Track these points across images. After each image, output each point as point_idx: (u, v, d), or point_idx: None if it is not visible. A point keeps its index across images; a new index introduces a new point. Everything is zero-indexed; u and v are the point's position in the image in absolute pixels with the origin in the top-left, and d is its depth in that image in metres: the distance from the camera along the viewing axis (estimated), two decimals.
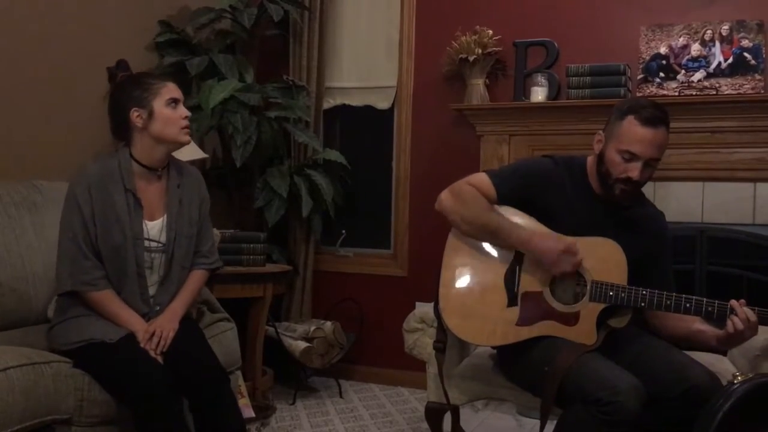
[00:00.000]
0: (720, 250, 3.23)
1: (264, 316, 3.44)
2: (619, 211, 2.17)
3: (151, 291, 2.26)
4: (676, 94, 3.27)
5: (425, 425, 2.58)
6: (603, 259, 2.09)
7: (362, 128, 4.23)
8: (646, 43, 3.37)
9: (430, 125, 3.92)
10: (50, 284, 2.51)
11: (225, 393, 2.15)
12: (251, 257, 3.36)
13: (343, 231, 4.17)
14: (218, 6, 3.72)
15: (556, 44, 3.60)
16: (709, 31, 3.27)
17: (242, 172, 3.77)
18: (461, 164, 3.61)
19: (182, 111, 2.25)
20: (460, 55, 3.62)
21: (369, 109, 4.11)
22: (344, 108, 4.18)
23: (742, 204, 3.20)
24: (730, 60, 3.22)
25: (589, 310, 2.07)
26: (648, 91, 3.33)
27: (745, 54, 3.20)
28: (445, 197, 2.17)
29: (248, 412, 3.05)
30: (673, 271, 2.27)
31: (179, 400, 2.05)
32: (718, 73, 3.24)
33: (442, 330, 2.24)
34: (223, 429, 2.10)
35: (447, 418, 2.45)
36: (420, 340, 2.48)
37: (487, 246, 2.18)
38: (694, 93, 3.26)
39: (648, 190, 2.20)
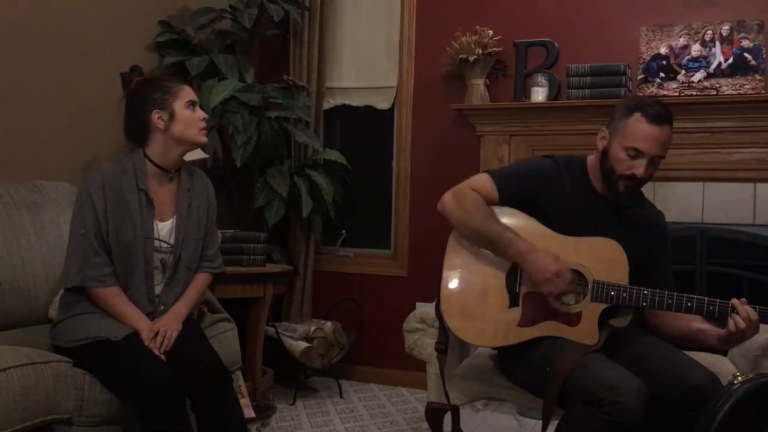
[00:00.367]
0: (720, 250, 3.23)
1: (264, 316, 3.44)
2: (620, 210, 2.18)
3: (157, 291, 2.28)
4: (677, 94, 3.28)
5: (425, 425, 2.58)
6: (604, 258, 2.09)
7: (362, 128, 4.23)
8: (647, 43, 3.37)
9: (431, 125, 3.92)
10: (51, 284, 2.51)
11: (227, 393, 2.15)
12: (251, 257, 3.36)
13: (344, 231, 4.17)
14: (218, 6, 3.72)
15: (556, 44, 3.60)
16: (709, 32, 3.27)
17: (242, 172, 3.77)
18: (461, 164, 3.62)
19: (200, 113, 2.31)
20: (461, 56, 3.62)
21: (369, 109, 4.11)
22: (344, 108, 4.18)
23: (742, 204, 3.20)
24: (731, 60, 3.22)
25: (591, 310, 2.07)
26: (648, 91, 3.33)
27: (746, 54, 3.20)
28: (448, 200, 2.17)
29: (248, 412, 3.04)
30: (672, 271, 2.27)
31: (183, 398, 2.06)
32: (719, 73, 3.24)
33: (443, 331, 2.24)
34: (225, 429, 2.10)
35: (447, 419, 2.45)
36: (420, 341, 2.48)
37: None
38: (694, 93, 3.26)
39: (648, 190, 2.21)
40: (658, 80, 3.33)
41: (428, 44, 3.90)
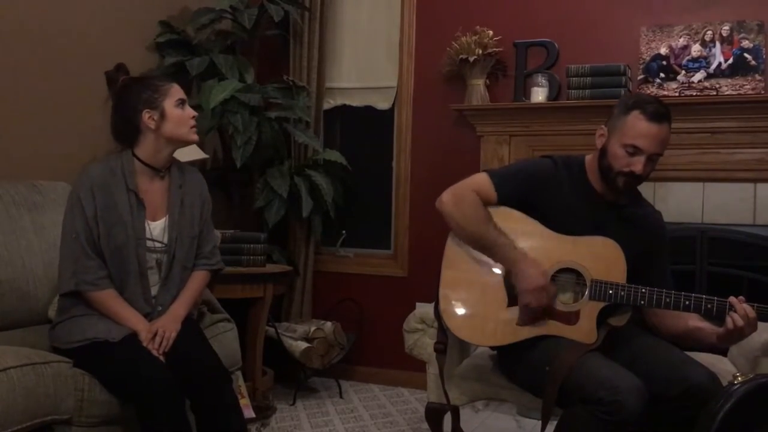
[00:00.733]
0: (720, 250, 3.23)
1: (264, 317, 3.44)
2: (618, 210, 2.18)
3: (153, 291, 2.26)
4: (677, 94, 3.28)
5: (425, 426, 2.58)
6: (602, 257, 2.09)
7: (362, 129, 4.23)
8: (647, 43, 3.37)
9: (431, 125, 3.92)
10: (50, 284, 2.51)
11: (226, 393, 2.15)
12: (251, 257, 3.36)
13: (344, 231, 4.17)
14: (218, 6, 3.72)
15: (556, 45, 3.60)
16: (709, 32, 3.27)
17: (242, 173, 3.77)
18: (461, 164, 3.62)
19: (190, 111, 2.30)
20: (461, 56, 3.62)
21: (369, 109, 4.11)
22: (344, 108, 4.18)
23: (742, 204, 3.20)
24: (731, 60, 3.22)
25: (589, 309, 2.07)
26: (648, 91, 3.33)
27: (746, 54, 3.20)
28: (446, 200, 2.17)
29: (248, 412, 3.04)
30: (670, 270, 2.27)
31: (182, 399, 2.05)
32: (719, 73, 3.24)
33: (442, 331, 2.24)
34: (225, 429, 2.10)
35: (447, 419, 2.45)
36: (420, 341, 2.48)
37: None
38: (694, 93, 3.26)
39: (648, 190, 2.21)
40: (658, 80, 3.33)
41: (428, 44, 3.91)
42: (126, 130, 2.26)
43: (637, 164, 2.04)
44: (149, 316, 2.21)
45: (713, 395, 1.83)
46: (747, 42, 3.20)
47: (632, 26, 3.44)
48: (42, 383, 1.93)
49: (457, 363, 2.44)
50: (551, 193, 2.15)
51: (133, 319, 2.15)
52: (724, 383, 1.88)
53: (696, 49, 3.28)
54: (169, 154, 2.30)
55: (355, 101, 4.14)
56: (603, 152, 2.11)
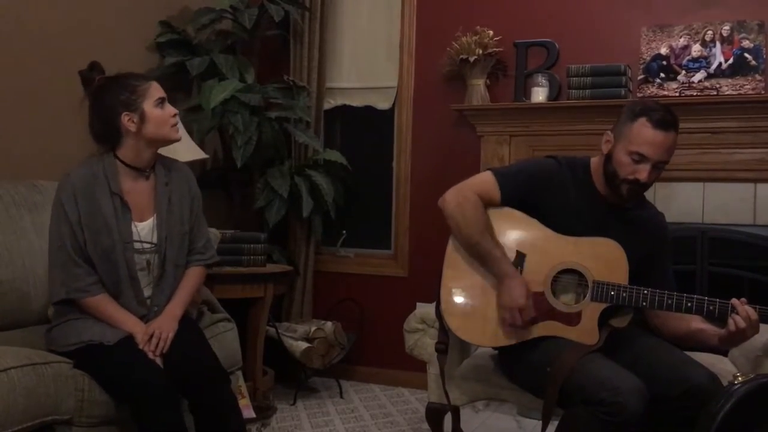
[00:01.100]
0: (721, 250, 3.23)
1: (264, 317, 3.44)
2: (621, 211, 2.18)
3: (147, 292, 2.23)
4: (677, 94, 3.27)
5: (426, 426, 2.58)
6: (604, 258, 2.09)
7: (363, 129, 4.23)
8: (647, 43, 3.37)
9: (431, 126, 3.92)
10: None
11: (225, 393, 2.14)
12: (252, 257, 3.36)
13: (344, 231, 4.17)
14: (219, 6, 3.72)
15: (556, 45, 3.60)
16: (709, 32, 3.27)
17: (243, 173, 3.77)
18: (462, 164, 3.62)
19: (170, 109, 2.24)
20: (461, 56, 3.62)
21: (369, 109, 4.11)
22: (345, 108, 4.18)
23: (742, 205, 3.20)
24: (731, 60, 3.22)
25: (591, 310, 2.07)
26: (648, 91, 3.33)
27: (746, 54, 3.20)
28: (450, 199, 2.17)
29: (249, 412, 3.04)
30: (673, 271, 2.27)
31: (177, 401, 2.04)
32: (719, 73, 3.24)
33: (443, 331, 2.24)
34: (224, 430, 2.10)
35: (448, 419, 2.45)
36: (421, 341, 2.48)
37: None
38: (694, 93, 3.26)
39: (649, 190, 2.21)
40: (658, 80, 3.32)
41: (428, 44, 3.90)
42: (106, 133, 2.20)
43: (642, 172, 2.04)
44: (145, 318, 2.19)
45: (714, 395, 1.82)
46: (747, 42, 3.20)
47: (632, 26, 3.44)
48: (42, 383, 1.93)
49: (457, 363, 2.44)
50: (554, 194, 2.15)
51: (129, 322, 2.13)
52: (725, 383, 1.88)
53: (696, 49, 3.28)
54: (152, 153, 2.25)
55: (356, 101, 4.14)
56: (608, 158, 2.11)
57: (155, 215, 2.25)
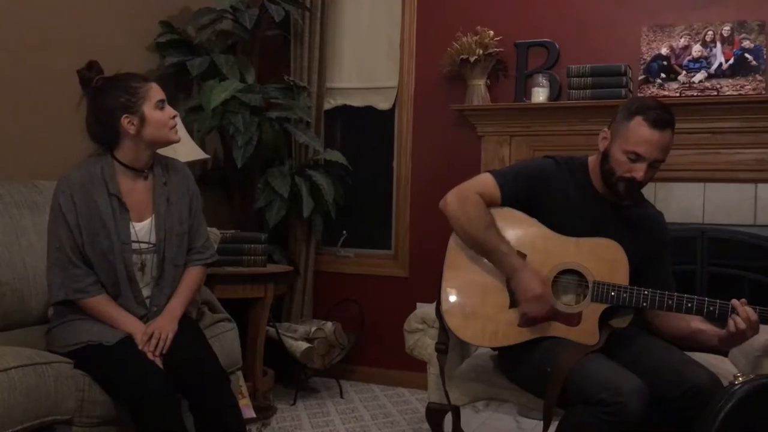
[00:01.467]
0: (721, 251, 3.23)
1: (265, 317, 3.44)
2: (620, 211, 2.18)
3: (146, 292, 2.23)
4: (677, 94, 3.28)
5: (426, 426, 2.58)
6: (604, 259, 2.09)
7: (363, 129, 4.23)
8: (647, 43, 3.37)
9: (431, 126, 3.92)
10: None
11: (225, 393, 2.14)
12: (252, 258, 3.36)
13: (344, 231, 4.17)
14: (219, 7, 3.72)
15: (557, 45, 3.60)
16: (710, 32, 3.27)
17: (243, 173, 3.77)
18: (462, 165, 3.62)
19: (170, 111, 2.23)
20: (461, 56, 3.62)
21: (370, 109, 4.11)
22: (345, 108, 4.18)
23: (743, 205, 3.20)
24: (731, 61, 3.22)
25: (591, 311, 2.07)
26: (649, 91, 3.33)
27: (746, 55, 3.20)
28: (451, 200, 2.17)
29: (249, 412, 3.05)
30: (672, 271, 2.27)
31: (177, 401, 2.04)
32: (719, 73, 3.24)
33: (443, 331, 2.24)
34: (224, 430, 2.09)
35: (448, 419, 2.45)
36: (421, 341, 2.48)
37: None
38: (695, 94, 3.26)
39: (649, 190, 2.21)
40: (658, 81, 3.33)
41: (429, 44, 3.90)
42: (104, 135, 2.19)
43: (639, 171, 2.04)
44: (144, 318, 2.19)
45: (714, 396, 1.82)
46: (748, 42, 3.20)
47: (633, 26, 3.44)
48: (43, 383, 1.93)
49: (457, 363, 2.44)
50: (554, 194, 2.15)
51: (128, 323, 2.13)
52: (725, 383, 1.88)
53: (697, 50, 3.28)
54: (151, 154, 2.24)
55: (356, 101, 4.14)
56: (605, 156, 2.11)
57: (153, 215, 2.24)
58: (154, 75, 3.52)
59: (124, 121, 2.15)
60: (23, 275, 2.44)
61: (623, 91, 3.31)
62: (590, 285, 2.08)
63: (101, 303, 2.14)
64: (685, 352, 2.10)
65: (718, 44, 3.25)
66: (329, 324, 3.70)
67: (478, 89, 3.63)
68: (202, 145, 3.57)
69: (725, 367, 2.32)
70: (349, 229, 4.18)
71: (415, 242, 3.97)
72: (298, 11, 3.96)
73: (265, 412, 3.32)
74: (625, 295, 2.05)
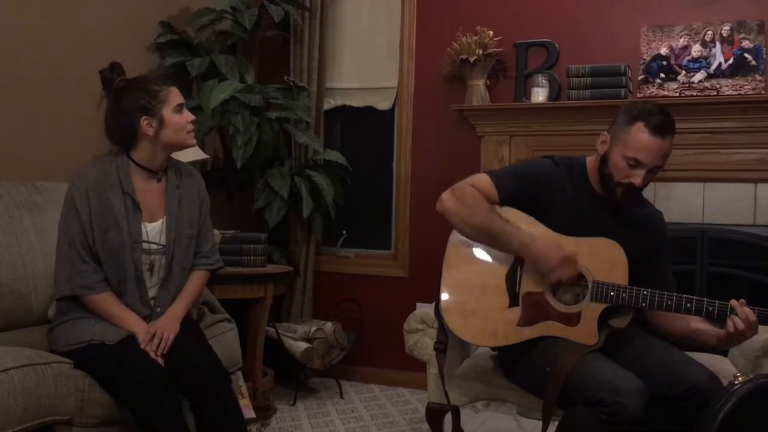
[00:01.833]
0: (721, 250, 3.23)
1: (265, 317, 3.44)
2: (619, 210, 2.18)
3: (152, 293, 2.25)
4: (677, 94, 3.28)
5: (426, 426, 2.58)
6: (604, 259, 2.09)
7: (363, 129, 4.23)
8: (647, 43, 3.37)
9: (431, 126, 3.92)
10: (51, 285, 2.50)
11: (226, 394, 2.14)
12: (252, 258, 3.36)
13: (344, 232, 4.17)
14: (219, 7, 3.72)
15: (556, 45, 3.60)
16: (709, 32, 3.27)
17: (243, 173, 3.77)
18: (462, 165, 3.62)
19: (188, 115, 2.27)
20: (461, 56, 3.62)
21: (370, 109, 4.12)
22: (345, 109, 4.18)
23: (742, 205, 3.20)
24: (731, 61, 3.22)
25: (591, 311, 2.07)
26: (648, 91, 3.33)
27: (746, 55, 3.20)
28: (446, 199, 2.17)
29: (249, 412, 3.04)
30: (672, 271, 2.27)
31: (179, 401, 2.05)
32: (719, 73, 3.24)
33: (443, 330, 2.24)
34: (224, 430, 2.10)
35: (448, 419, 2.45)
36: (421, 341, 2.48)
37: (488, 246, 2.18)
38: (694, 94, 3.26)
39: (649, 190, 2.21)
40: (658, 81, 3.33)
41: (429, 45, 3.91)
42: (122, 135, 2.22)
43: (637, 177, 2.04)
44: (148, 318, 2.20)
45: (714, 396, 1.83)
46: (747, 42, 3.20)
47: (632, 26, 3.44)
48: (43, 384, 1.93)
49: (457, 363, 2.44)
50: (552, 194, 2.15)
51: (131, 322, 2.15)
52: (725, 383, 1.88)
53: (696, 50, 3.28)
54: (166, 157, 2.27)
55: (356, 101, 4.14)
56: (604, 160, 2.11)
57: (165, 217, 2.27)
58: (154, 75, 3.52)
59: (143, 122, 2.18)
60: (23, 275, 2.44)
61: (623, 91, 3.31)
62: (589, 285, 2.08)
63: (106, 300, 2.15)
64: (685, 352, 2.10)
65: (718, 44, 3.25)
66: (329, 324, 3.70)
67: (478, 89, 3.64)
68: (202, 146, 3.57)
69: (725, 367, 2.32)
70: (349, 229, 4.18)
71: (415, 242, 3.97)
72: (298, 11, 3.96)
73: (265, 412, 3.32)
74: (624, 295, 2.05)
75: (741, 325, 1.94)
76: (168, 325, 2.16)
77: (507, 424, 3.32)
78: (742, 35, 3.21)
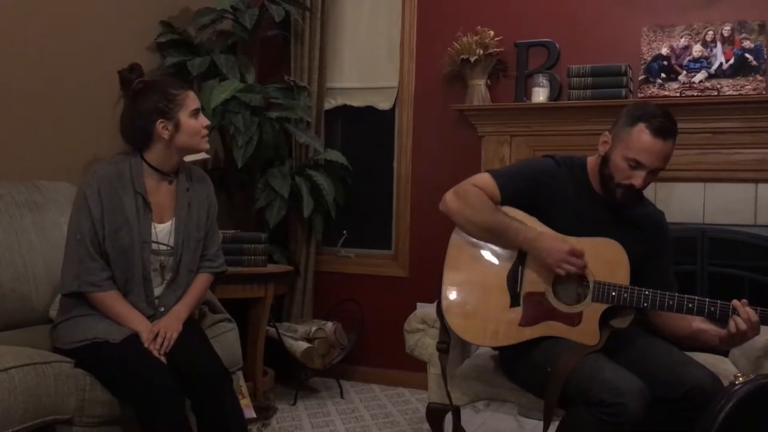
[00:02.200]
0: (721, 251, 3.23)
1: (265, 317, 3.43)
2: (620, 210, 2.17)
3: (157, 293, 2.26)
4: (678, 94, 3.28)
5: (426, 426, 2.58)
6: (605, 259, 2.09)
7: (363, 129, 4.23)
8: (648, 43, 3.37)
9: (432, 126, 3.92)
10: (52, 284, 2.51)
11: (227, 394, 2.15)
12: (252, 258, 3.36)
13: (345, 231, 4.17)
14: (219, 6, 3.72)
15: (557, 45, 3.60)
16: (710, 32, 3.27)
17: (243, 173, 3.77)
18: (462, 165, 3.62)
19: (203, 120, 2.28)
20: (462, 56, 3.62)
21: (370, 109, 4.11)
22: (345, 108, 4.18)
23: (743, 205, 3.20)
24: (732, 61, 3.22)
25: (592, 311, 2.07)
26: (649, 91, 3.33)
27: (747, 55, 3.20)
28: (450, 199, 2.17)
29: (249, 412, 3.04)
30: (673, 270, 2.27)
31: (182, 401, 2.05)
32: (720, 73, 3.24)
33: (445, 330, 2.24)
34: (225, 429, 2.10)
35: (448, 419, 2.45)
36: (421, 341, 2.48)
37: (489, 246, 2.18)
38: (695, 94, 3.26)
39: (649, 190, 2.21)
40: (659, 81, 3.32)
41: (429, 45, 3.90)
42: (138, 137, 2.24)
43: (638, 178, 2.04)
44: (152, 318, 2.21)
45: (715, 396, 1.82)
46: (748, 42, 3.20)
47: (633, 26, 3.44)
48: (43, 383, 1.93)
49: (458, 363, 2.44)
50: (554, 193, 2.15)
51: (135, 320, 2.15)
52: (726, 384, 1.88)
53: (697, 50, 3.28)
54: (179, 160, 2.30)
55: (356, 101, 4.14)
56: (605, 160, 2.11)
57: (174, 218, 2.28)
58: (154, 75, 3.52)
59: (159, 125, 2.19)
60: (24, 275, 2.44)
61: (623, 91, 3.31)
62: (591, 285, 2.08)
63: (112, 298, 2.16)
64: (686, 352, 2.10)
65: (719, 44, 3.25)
66: (329, 324, 3.70)
67: (479, 89, 3.63)
68: None
69: (725, 367, 2.32)
70: (349, 229, 4.18)
71: (415, 242, 3.97)
72: (299, 11, 3.96)
73: (265, 412, 3.32)
74: (625, 295, 2.05)
75: (743, 326, 1.94)
76: (171, 325, 2.17)
77: (508, 424, 3.32)
78: (743, 35, 3.21)
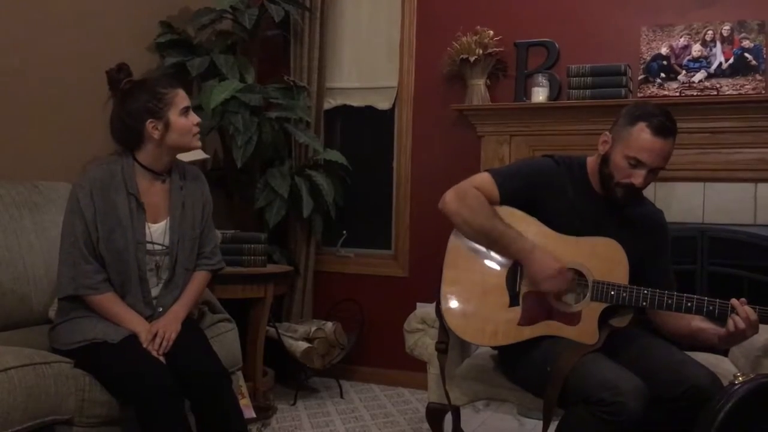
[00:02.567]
0: (721, 250, 3.23)
1: (265, 317, 3.44)
2: (619, 210, 2.18)
3: (154, 293, 2.26)
4: (677, 94, 3.28)
5: (426, 426, 2.58)
6: (604, 258, 2.09)
7: (363, 129, 4.23)
8: (647, 43, 3.37)
9: (431, 126, 3.92)
10: (51, 285, 2.51)
11: (226, 394, 2.15)
12: (252, 258, 3.36)
13: (344, 231, 4.17)
14: (219, 7, 3.72)
15: (556, 44, 3.60)
16: (710, 32, 3.27)
17: (243, 173, 3.77)
18: (462, 164, 3.62)
19: (194, 118, 2.27)
20: (461, 56, 3.62)
21: (370, 109, 4.11)
22: (345, 108, 4.18)
23: (743, 204, 3.20)
24: (731, 60, 3.22)
25: (591, 310, 2.07)
26: (649, 91, 3.33)
27: (746, 54, 3.20)
28: (449, 199, 2.17)
29: (249, 412, 3.04)
30: (672, 269, 2.27)
31: (182, 401, 2.05)
32: (719, 73, 3.24)
33: (444, 330, 2.24)
34: (225, 429, 2.10)
35: (448, 419, 2.45)
36: (421, 341, 2.48)
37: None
38: (695, 93, 3.26)
39: (649, 190, 2.21)
40: (658, 80, 3.32)
41: (429, 44, 3.90)
42: (128, 137, 2.22)
43: (638, 177, 2.04)
44: (150, 319, 2.21)
45: (714, 395, 1.83)
46: (747, 42, 3.20)
47: (633, 26, 3.44)
48: (43, 383, 1.93)
49: (458, 363, 2.44)
50: (553, 193, 2.15)
51: (134, 321, 2.15)
52: (725, 383, 1.88)
53: (696, 49, 3.28)
54: (171, 159, 2.29)
55: (356, 101, 4.14)
56: (605, 160, 2.11)
57: (169, 218, 2.27)
58: (154, 75, 3.52)
59: (149, 125, 2.18)
60: (23, 275, 2.44)
61: (623, 91, 3.31)
62: (590, 284, 2.08)
63: (109, 300, 2.16)
64: (686, 351, 2.10)
65: (718, 44, 3.25)
66: (329, 324, 3.70)
67: (478, 89, 3.63)
68: (202, 145, 3.56)
69: (725, 367, 2.32)
70: (349, 229, 4.18)
71: (415, 242, 3.97)
72: (298, 11, 3.96)
73: (265, 412, 3.32)
74: (624, 294, 2.05)
75: (742, 324, 1.94)
76: (170, 325, 2.16)
77: (507, 423, 3.32)
78: (743, 35, 3.21)
